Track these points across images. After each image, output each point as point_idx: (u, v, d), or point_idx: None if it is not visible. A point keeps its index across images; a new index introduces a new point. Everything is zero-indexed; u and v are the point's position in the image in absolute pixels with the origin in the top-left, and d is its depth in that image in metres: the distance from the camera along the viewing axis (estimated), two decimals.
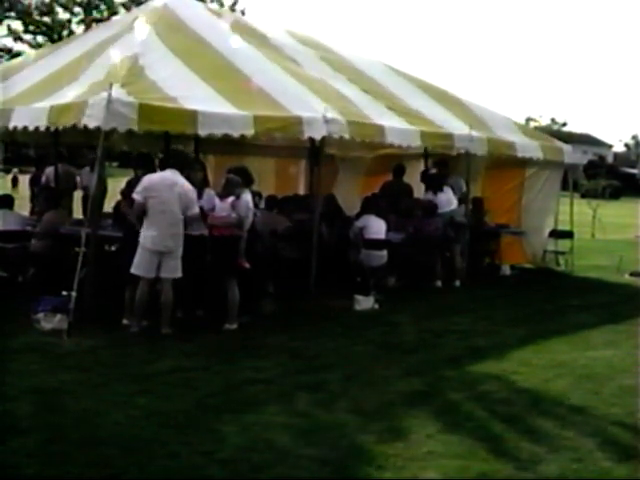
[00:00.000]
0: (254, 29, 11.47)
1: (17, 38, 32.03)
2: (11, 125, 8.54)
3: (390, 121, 10.39)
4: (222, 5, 31.91)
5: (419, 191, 12.68)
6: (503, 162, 12.57)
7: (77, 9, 32.36)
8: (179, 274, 7.51)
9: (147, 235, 7.42)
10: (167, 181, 7.47)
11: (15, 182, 30.44)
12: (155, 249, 7.40)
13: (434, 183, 12.05)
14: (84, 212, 9.54)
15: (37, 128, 8.28)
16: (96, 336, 7.20)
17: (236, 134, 8.45)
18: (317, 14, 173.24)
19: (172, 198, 7.40)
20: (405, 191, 12.49)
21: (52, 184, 12.02)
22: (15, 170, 31.46)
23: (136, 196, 7.52)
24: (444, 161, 12.24)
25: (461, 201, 11.97)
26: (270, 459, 4.58)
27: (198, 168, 8.53)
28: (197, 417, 5.24)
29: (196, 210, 7.60)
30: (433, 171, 12.57)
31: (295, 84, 9.96)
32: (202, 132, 8.28)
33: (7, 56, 29.57)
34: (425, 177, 12.51)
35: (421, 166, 13.41)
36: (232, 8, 32.31)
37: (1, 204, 10.06)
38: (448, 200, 11.73)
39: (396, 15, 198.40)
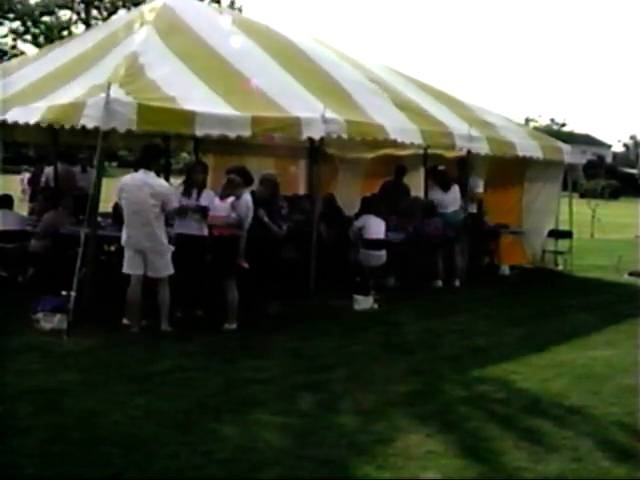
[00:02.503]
0: (255, 27, 11.47)
1: (15, 39, 32.08)
2: (8, 120, 8.51)
3: (390, 118, 10.38)
4: (219, 2, 31.94)
5: (419, 191, 12.68)
6: (504, 162, 12.57)
7: (78, 8, 32.39)
8: (169, 272, 7.58)
9: (125, 235, 7.57)
10: (137, 182, 7.57)
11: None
12: (135, 248, 7.52)
13: (443, 181, 11.86)
14: (75, 212, 9.54)
15: (36, 128, 8.28)
16: (96, 336, 7.21)
17: (233, 135, 8.45)
18: (317, 15, 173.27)
19: (142, 198, 7.48)
20: (404, 191, 12.47)
21: (52, 184, 12.02)
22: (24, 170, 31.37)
23: (116, 198, 7.76)
24: (464, 160, 12.01)
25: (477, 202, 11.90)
26: (270, 459, 4.58)
27: (199, 169, 8.54)
28: (197, 417, 5.24)
29: (174, 205, 7.70)
30: (442, 168, 12.48)
31: (295, 83, 9.96)
32: (199, 132, 8.29)
33: (6, 57, 29.61)
34: (434, 173, 12.29)
35: (421, 167, 13.41)
36: (231, 7, 32.36)
37: (1, 204, 10.05)
38: (455, 200, 11.69)
39: (396, 15, 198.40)
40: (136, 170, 7.72)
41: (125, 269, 7.55)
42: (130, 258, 7.53)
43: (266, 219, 8.46)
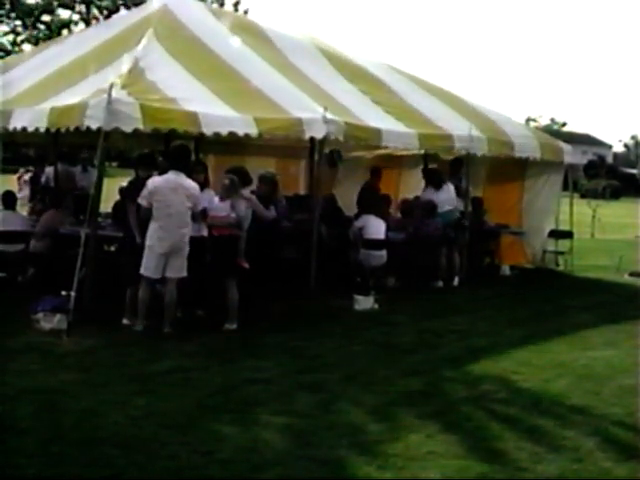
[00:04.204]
0: (254, 29, 11.47)
1: (16, 38, 32.05)
2: (11, 126, 8.54)
3: (388, 124, 10.39)
4: (223, 4, 31.96)
5: (419, 191, 12.67)
6: (504, 162, 12.57)
7: (79, 8, 32.36)
8: (184, 273, 7.55)
9: (154, 238, 7.44)
10: (171, 184, 7.51)
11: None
12: (163, 252, 7.43)
13: (434, 179, 11.97)
14: (76, 212, 9.55)
15: (37, 129, 8.29)
16: (96, 336, 7.20)
17: (241, 133, 8.45)
18: (317, 14, 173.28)
19: (177, 200, 7.45)
20: (377, 192, 12.36)
21: (52, 184, 12.02)
22: (22, 170, 31.40)
23: (142, 201, 7.54)
24: (459, 161, 12.05)
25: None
26: (270, 459, 4.58)
27: (200, 170, 8.54)
28: (197, 417, 5.24)
29: (201, 206, 7.70)
30: (432, 166, 12.57)
31: (294, 87, 9.97)
32: (207, 131, 8.27)
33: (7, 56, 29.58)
34: (425, 173, 12.44)
35: (421, 166, 13.41)
36: (235, 8, 32.37)
37: (5, 205, 10.03)
38: (448, 200, 11.70)
39: (396, 15, 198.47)
40: (156, 171, 7.64)
41: (144, 271, 7.46)
42: (154, 262, 7.44)
43: (254, 200, 8.38)
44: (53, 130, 8.29)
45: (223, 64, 9.70)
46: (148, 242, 7.46)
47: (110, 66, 8.78)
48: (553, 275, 13.22)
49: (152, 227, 7.47)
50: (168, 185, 7.51)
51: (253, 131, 8.52)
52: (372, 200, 11.16)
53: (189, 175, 7.83)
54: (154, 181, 7.62)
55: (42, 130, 8.23)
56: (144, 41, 9.19)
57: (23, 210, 12.53)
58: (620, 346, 7.87)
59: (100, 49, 9.75)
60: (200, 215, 7.76)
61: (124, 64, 8.60)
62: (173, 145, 8.01)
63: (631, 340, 8.08)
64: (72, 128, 7.91)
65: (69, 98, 8.22)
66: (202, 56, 9.63)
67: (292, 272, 9.27)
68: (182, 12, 10.37)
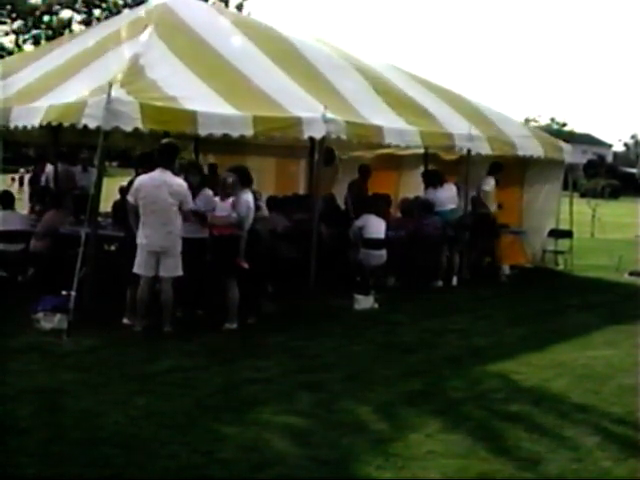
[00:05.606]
0: (255, 26, 11.47)
1: (17, 39, 32.06)
2: (11, 125, 8.56)
3: (389, 121, 10.39)
4: (227, 4, 32.02)
5: (419, 191, 12.69)
6: (504, 162, 12.57)
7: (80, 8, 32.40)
8: (179, 273, 7.54)
9: (142, 235, 7.50)
10: (155, 181, 7.52)
11: (22, 182, 30.28)
12: (151, 249, 7.45)
13: (434, 178, 11.95)
14: (76, 212, 9.55)
15: (37, 128, 8.30)
16: (96, 336, 7.20)
17: (235, 134, 8.46)
18: (319, 14, 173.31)
19: (161, 198, 7.45)
20: (366, 192, 12.32)
21: (52, 184, 12.01)
22: (22, 170, 31.39)
23: (129, 198, 7.64)
24: (499, 165, 12.17)
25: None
26: (270, 459, 4.58)
27: (195, 171, 8.53)
28: (197, 417, 5.24)
29: (190, 205, 7.68)
30: (431, 168, 12.64)
31: (294, 85, 9.97)
32: (202, 132, 8.29)
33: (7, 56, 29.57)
34: (425, 174, 12.46)
35: (421, 166, 13.42)
36: (239, 9, 32.44)
37: (3, 205, 10.03)
38: (449, 198, 11.69)
39: (396, 15, 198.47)
40: (151, 169, 7.66)
41: (136, 269, 7.49)
42: (144, 259, 7.47)
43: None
44: (54, 124, 8.27)
45: (224, 62, 9.69)
46: (138, 240, 7.51)
47: (109, 63, 8.79)
48: (553, 275, 13.22)
49: (140, 225, 7.52)
50: (152, 182, 7.53)
51: (249, 132, 8.52)
52: (369, 200, 11.15)
53: (185, 174, 7.83)
54: (140, 178, 7.68)
55: (36, 126, 8.21)
56: (145, 38, 9.20)
57: (23, 210, 12.53)
58: (620, 346, 7.87)
59: (99, 46, 9.76)
60: (192, 215, 7.73)
61: (124, 61, 8.61)
62: (160, 142, 7.99)
63: (631, 339, 8.08)
64: (69, 125, 7.90)
65: (68, 95, 8.23)
66: (203, 54, 9.63)
67: (292, 271, 9.27)
68: (182, 10, 10.39)
